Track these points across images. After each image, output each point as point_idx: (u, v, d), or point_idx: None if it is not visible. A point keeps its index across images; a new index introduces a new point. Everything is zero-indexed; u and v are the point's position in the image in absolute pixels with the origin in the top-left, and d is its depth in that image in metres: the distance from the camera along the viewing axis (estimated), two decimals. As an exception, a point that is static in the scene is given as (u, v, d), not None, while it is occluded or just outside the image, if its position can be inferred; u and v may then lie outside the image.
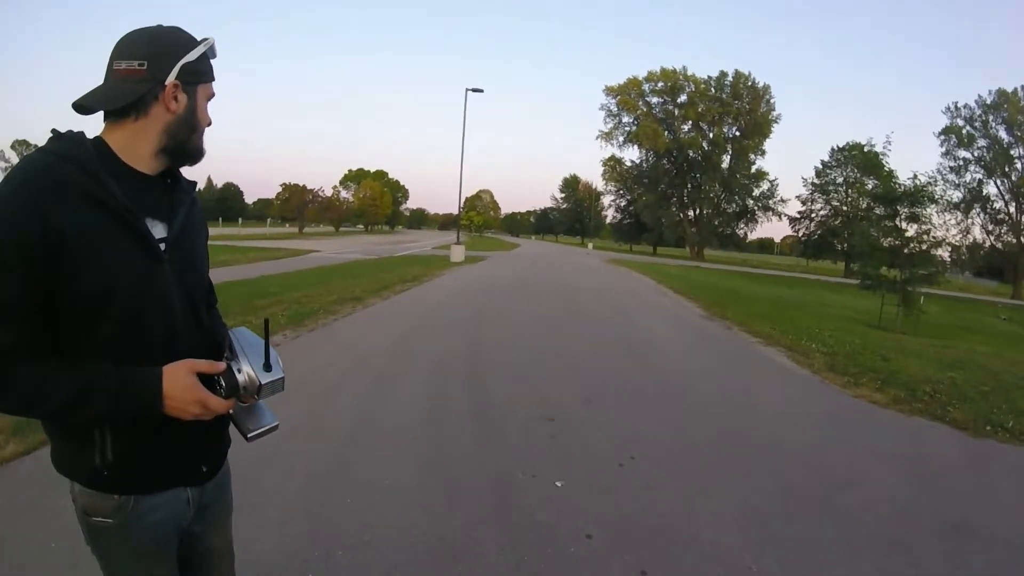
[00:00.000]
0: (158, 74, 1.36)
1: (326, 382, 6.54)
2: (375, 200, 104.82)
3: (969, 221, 58.93)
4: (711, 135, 71.07)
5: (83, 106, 1.35)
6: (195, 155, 1.52)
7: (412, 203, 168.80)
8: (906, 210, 18.24)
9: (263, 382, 1.43)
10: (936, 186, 18.73)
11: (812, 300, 24.25)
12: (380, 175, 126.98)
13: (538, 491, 4.13)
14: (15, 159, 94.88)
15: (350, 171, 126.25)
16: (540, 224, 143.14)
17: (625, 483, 4.40)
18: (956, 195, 58.37)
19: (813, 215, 68.47)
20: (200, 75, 1.46)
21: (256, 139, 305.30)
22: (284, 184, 78.07)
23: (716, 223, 74.17)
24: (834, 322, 15.63)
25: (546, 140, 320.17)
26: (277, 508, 3.61)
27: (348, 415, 5.52)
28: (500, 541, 3.43)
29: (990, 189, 58.38)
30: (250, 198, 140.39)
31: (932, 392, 7.73)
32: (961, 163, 58.80)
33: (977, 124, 57.78)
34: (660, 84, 72.90)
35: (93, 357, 1.31)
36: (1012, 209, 57.38)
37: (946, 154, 59.32)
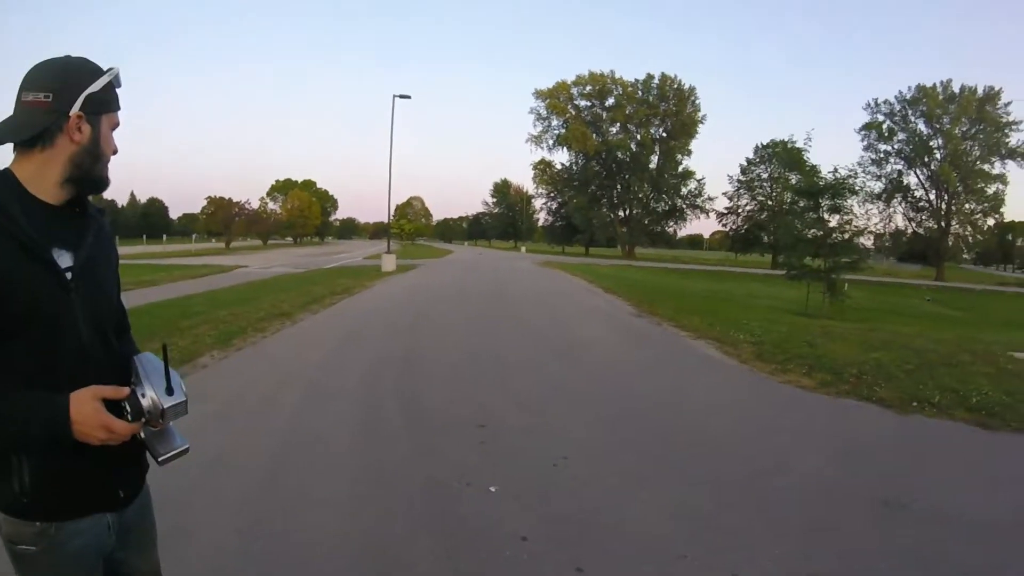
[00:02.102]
0: (62, 105, 1.38)
1: (256, 400, 6.31)
2: (303, 211, 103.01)
3: (891, 210, 63.14)
4: (639, 137, 72.46)
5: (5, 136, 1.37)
6: (100, 184, 1.53)
7: (342, 213, 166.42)
8: (828, 202, 18.98)
9: (165, 406, 1.42)
10: (856, 178, 19.54)
11: (741, 293, 24.85)
12: (308, 185, 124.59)
13: (472, 497, 4.03)
14: None
15: (277, 181, 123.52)
16: (473, 230, 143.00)
17: (558, 483, 4.33)
18: (878, 186, 62.32)
19: (740, 211, 70.61)
20: (104, 105, 1.47)
21: (180, 152, 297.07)
22: (209, 198, 75.95)
23: (646, 222, 75.67)
24: (762, 312, 16.00)
25: (476, 145, 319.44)
26: (209, 530, 3.45)
27: (280, 431, 5.34)
28: (435, 549, 3.35)
29: (911, 179, 62.67)
30: (175, 213, 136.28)
31: (858, 374, 7.90)
32: (882, 156, 62.98)
33: (897, 119, 61.88)
34: (588, 88, 73.91)
35: (6, 382, 1.32)
36: (932, 196, 61.55)
37: (867, 148, 63.41)
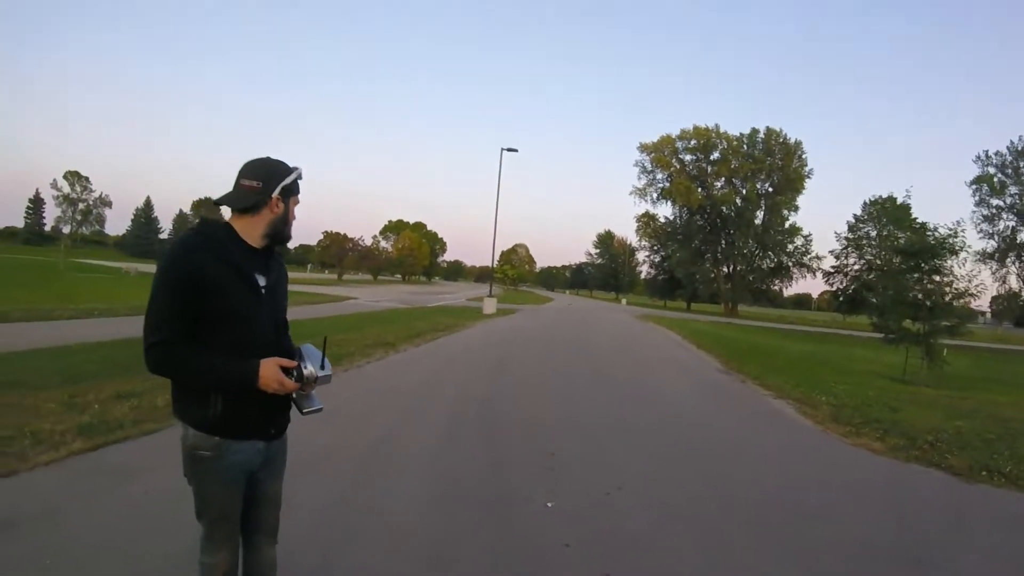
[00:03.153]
0: (267, 190, 2.25)
1: (357, 413, 7.31)
2: (413, 251, 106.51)
3: (1005, 270, 58.40)
4: (744, 191, 71.40)
5: (220, 202, 2.28)
6: (285, 240, 2.43)
7: (449, 255, 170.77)
8: (928, 263, 18.36)
9: (319, 375, 2.27)
10: (957, 237, 18.74)
11: (839, 355, 24.16)
12: (419, 227, 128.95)
13: (531, 510, 4.69)
14: (67, 188, 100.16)
15: (390, 222, 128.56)
16: (575, 279, 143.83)
17: (608, 506, 4.93)
18: (991, 244, 58.14)
19: (847, 270, 66.82)
20: (292, 191, 2.35)
21: (304, 185, 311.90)
22: (326, 232, 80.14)
23: (750, 279, 74.08)
24: (856, 376, 15.74)
25: (582, 195, 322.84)
26: (310, 504, 4.25)
27: (374, 439, 6.29)
28: (494, 547, 3.99)
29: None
30: (291, 243, 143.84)
31: (933, 441, 7.80)
32: (994, 211, 58.29)
33: (1009, 171, 57.22)
34: (693, 141, 73.63)
35: (216, 351, 2.16)
36: None
37: (979, 203, 58.78)
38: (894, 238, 56.44)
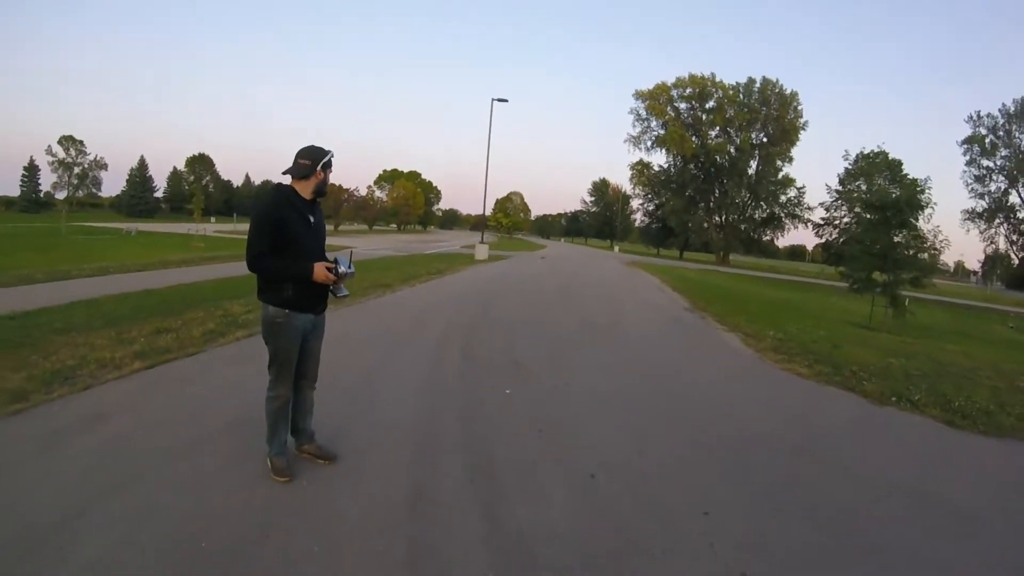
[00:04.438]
0: (314, 166, 3.87)
1: (363, 337, 8.87)
2: (408, 200, 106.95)
3: (992, 231, 60.61)
4: (738, 141, 71.46)
5: (287, 173, 3.90)
6: (324, 195, 4.07)
7: (444, 204, 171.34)
8: (894, 218, 19.35)
9: (347, 272, 4.01)
10: (924, 193, 19.71)
11: (816, 303, 25.16)
12: (413, 176, 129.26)
13: (496, 397, 6.24)
14: (62, 153, 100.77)
15: (385, 171, 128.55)
16: (570, 227, 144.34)
17: (560, 400, 6.21)
18: (981, 204, 59.57)
19: (836, 222, 67.47)
20: (328, 166, 3.97)
21: (294, 138, 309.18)
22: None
23: (742, 228, 74.90)
24: (822, 321, 16.65)
25: (577, 143, 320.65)
26: (338, 389, 5.70)
27: (379, 353, 8.00)
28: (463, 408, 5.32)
29: (1014, 199, 58.91)
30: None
31: (858, 371, 8.75)
32: (985, 172, 60.40)
33: (1000, 133, 58.97)
34: (688, 90, 73.59)
35: (287, 258, 3.80)
36: None
37: (970, 163, 60.69)
38: (884, 192, 57.28)
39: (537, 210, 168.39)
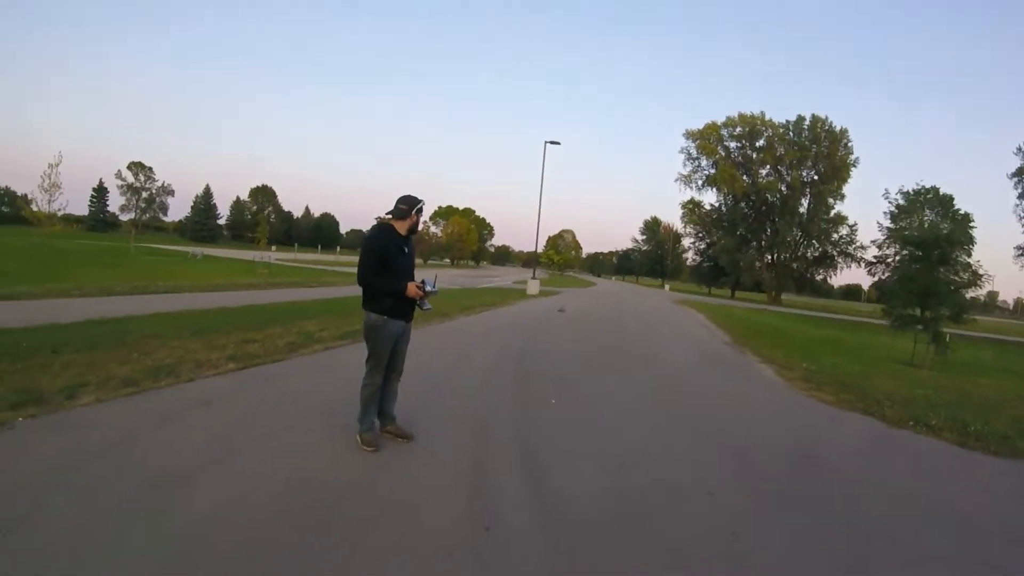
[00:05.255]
0: (410, 210, 5.24)
1: (432, 352, 10.07)
2: (462, 236, 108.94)
3: None
4: (788, 179, 71.36)
5: (389, 213, 5.24)
6: (415, 232, 5.43)
7: (497, 240, 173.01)
8: (935, 254, 19.74)
9: (432, 290, 5.31)
10: (966, 230, 20.02)
11: (861, 342, 25.22)
12: (468, 212, 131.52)
13: (543, 405, 7.25)
14: (131, 178, 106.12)
15: (440, 207, 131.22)
16: (621, 265, 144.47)
17: (604, 420, 7.18)
18: None
19: (888, 260, 64.01)
20: (420, 212, 5.35)
21: (354, 173, 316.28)
22: (379, 217, 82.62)
23: (793, 267, 74.29)
24: (862, 358, 17.14)
25: (630, 182, 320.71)
26: (415, 388, 6.30)
27: (446, 364, 9.27)
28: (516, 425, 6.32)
29: None
30: (344, 227, 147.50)
31: (881, 399, 9.34)
32: None
33: None
34: (738, 129, 74.09)
35: (388, 278, 5.10)
36: None
37: (1022, 195, 58.07)
38: (937, 228, 56.29)
39: (588, 248, 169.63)
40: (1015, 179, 57.41)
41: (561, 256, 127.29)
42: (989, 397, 10.80)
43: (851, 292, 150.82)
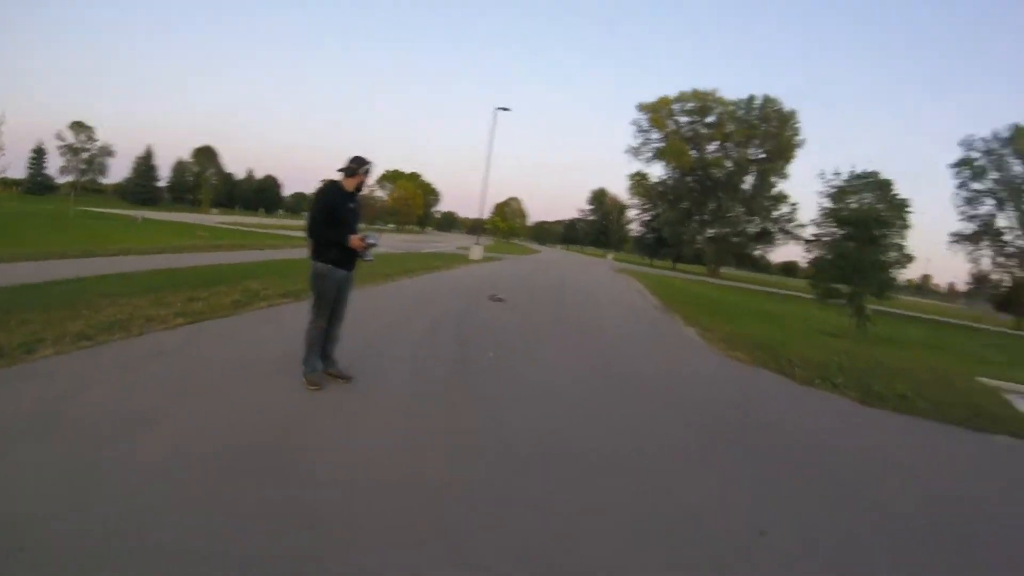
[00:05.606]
0: (359, 168, 5.70)
1: (372, 311, 9.85)
2: (407, 200, 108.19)
3: (979, 252, 60.59)
4: (735, 156, 73.07)
5: (340, 170, 5.71)
6: (361, 190, 5.86)
7: (443, 206, 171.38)
8: (864, 233, 20.73)
9: (375, 243, 5.72)
10: (885, 210, 21.04)
11: (792, 313, 26.35)
12: (414, 177, 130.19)
13: (479, 355, 7.49)
14: (71, 138, 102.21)
15: (387, 171, 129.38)
16: (567, 234, 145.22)
17: (537, 370, 7.61)
18: (969, 226, 60.17)
19: (824, 238, 67.14)
20: (367, 172, 5.77)
21: (297, 135, 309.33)
22: (323, 180, 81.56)
23: (734, 241, 76.12)
24: (787, 326, 18.12)
25: (578, 153, 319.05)
26: (356, 339, 6.56)
27: (386, 323, 9.33)
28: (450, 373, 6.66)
29: (1002, 222, 59.41)
30: (288, 190, 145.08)
31: (795, 361, 9.94)
32: (974, 195, 60.28)
33: (994, 157, 59.02)
34: (691, 104, 75.14)
35: (338, 231, 5.52)
36: (1022, 243, 58.58)
37: (960, 186, 60.47)
38: (874, 211, 58.02)
39: (535, 216, 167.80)
40: (955, 170, 60.26)
41: (507, 223, 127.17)
42: (900, 365, 11.51)
43: (789, 268, 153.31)
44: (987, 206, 59.70)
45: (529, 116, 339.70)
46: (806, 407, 7.54)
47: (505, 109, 36.43)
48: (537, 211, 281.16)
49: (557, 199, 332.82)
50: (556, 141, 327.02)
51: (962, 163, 60.24)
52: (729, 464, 5.03)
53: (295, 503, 3.43)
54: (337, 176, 5.73)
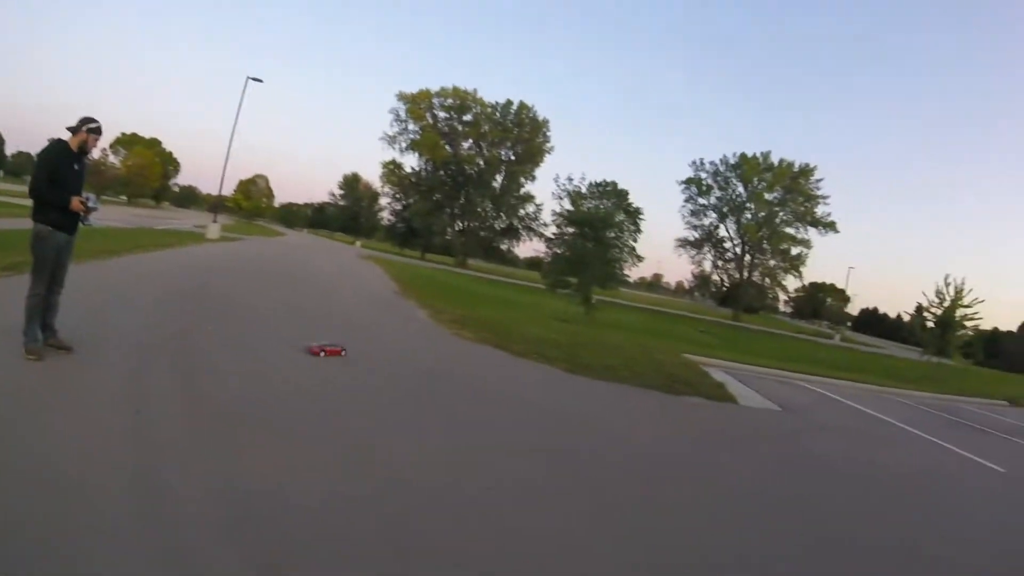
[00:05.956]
0: (81, 126, 5.47)
1: (93, 287, 9.03)
2: (144, 169, 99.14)
3: (702, 256, 75.59)
4: (487, 155, 75.97)
5: (68, 129, 5.46)
6: (87, 152, 5.65)
7: (184, 179, 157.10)
8: (592, 232, 23.00)
9: (94, 206, 5.62)
10: (638, 219, 23.87)
11: (527, 302, 28.03)
12: (153, 143, 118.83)
13: (199, 333, 7.49)
14: None
15: (123, 135, 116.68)
16: (316, 218, 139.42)
17: (263, 340, 7.73)
18: (693, 234, 74.99)
19: (565, 237, 73.54)
20: (93, 132, 5.54)
21: (24, 87, 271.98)
22: (50, 139, 72.42)
23: (481, 235, 79.41)
24: (521, 312, 19.84)
25: (333, 135, 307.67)
26: (75, 314, 6.11)
27: (108, 297, 8.66)
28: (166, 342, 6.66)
29: (724, 232, 74.66)
30: (11, 148, 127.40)
31: (515, 339, 11.05)
32: (700, 208, 74.85)
33: (720, 179, 73.57)
34: (450, 101, 76.40)
35: (60, 192, 5.30)
36: (739, 250, 73.87)
37: (688, 200, 75.20)
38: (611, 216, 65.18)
39: (283, 197, 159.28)
40: (684, 186, 73.36)
41: (252, 202, 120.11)
42: (614, 343, 13.44)
43: (535, 263, 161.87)
44: (710, 218, 74.79)
45: (284, 91, 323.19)
46: (515, 374, 8.74)
47: (258, 80, 34.66)
48: (286, 192, 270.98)
49: (308, 181, 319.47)
50: (311, 121, 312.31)
51: (690, 181, 74.91)
52: (430, 419, 5.66)
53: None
54: (67, 136, 5.44)
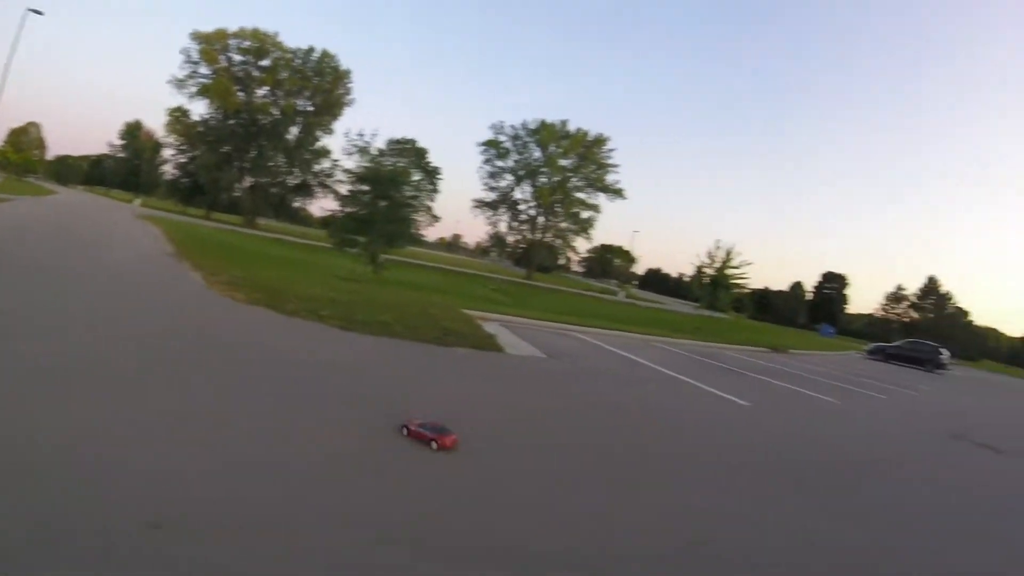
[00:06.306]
0: None
1: None
2: None
3: (497, 217, 77.90)
4: (283, 104, 72.17)
5: None
6: None
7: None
8: (379, 190, 23.33)
9: None
10: (435, 178, 24.47)
11: (315, 262, 28.07)
12: None
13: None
14: None
15: None
16: (92, 173, 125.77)
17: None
18: (491, 196, 77.01)
19: (356, 195, 71.64)
20: None
21: None
22: None
23: (273, 192, 75.54)
24: (304, 272, 19.79)
25: (114, 75, 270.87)
26: None
27: None
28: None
29: (520, 195, 77.33)
30: None
31: (289, 299, 11.35)
32: (498, 170, 76.97)
33: (519, 143, 75.93)
34: (248, 43, 71.18)
35: None
36: (533, 212, 76.94)
37: (486, 161, 76.88)
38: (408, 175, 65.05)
39: (57, 149, 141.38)
40: (483, 148, 76.70)
41: (22, 155, 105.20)
42: (393, 301, 14.07)
43: (329, 222, 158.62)
44: (507, 181, 77.22)
45: (67, 25, 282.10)
46: (282, 332, 9.16)
47: (38, 12, 30.96)
48: (60, 143, 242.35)
49: (85, 130, 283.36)
50: (91, 59, 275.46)
51: (490, 143, 76.71)
52: (178, 379, 5.86)
53: None
54: None
